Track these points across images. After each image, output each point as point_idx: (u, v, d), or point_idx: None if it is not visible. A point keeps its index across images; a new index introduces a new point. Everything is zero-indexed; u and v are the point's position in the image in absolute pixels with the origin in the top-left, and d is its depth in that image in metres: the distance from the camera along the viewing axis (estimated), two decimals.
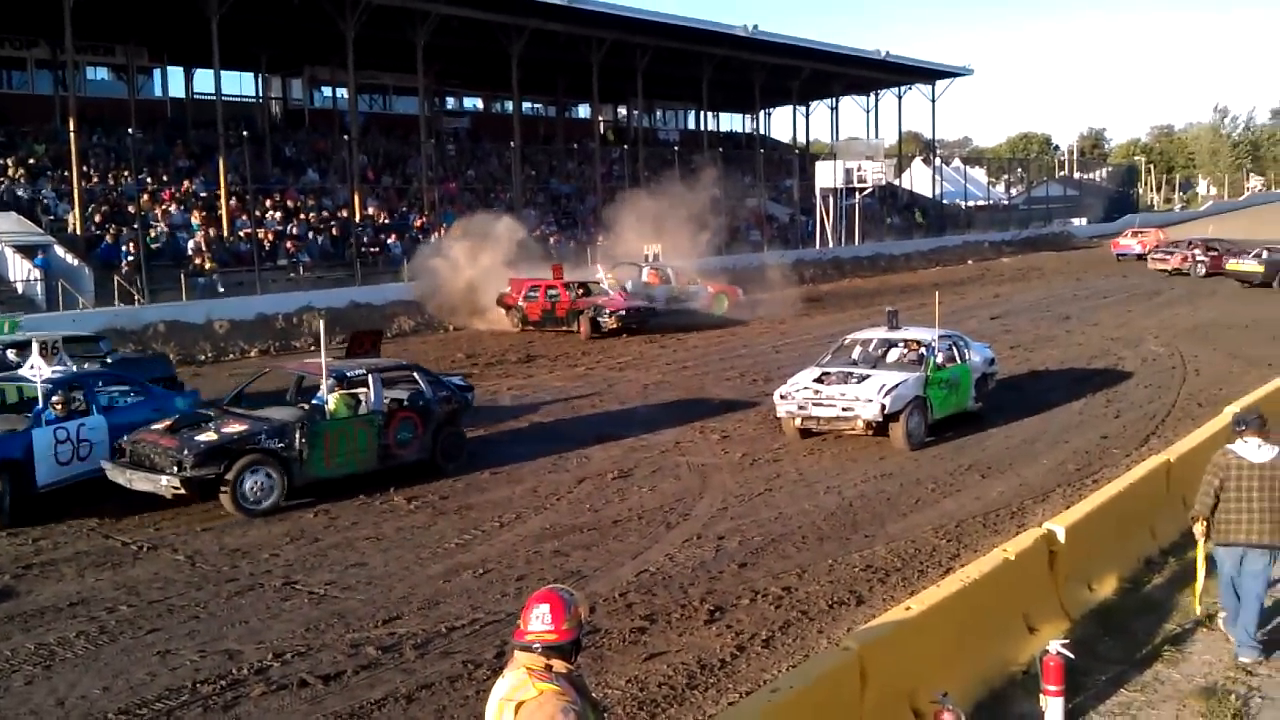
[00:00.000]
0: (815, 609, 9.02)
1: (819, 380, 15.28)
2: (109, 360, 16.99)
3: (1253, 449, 8.01)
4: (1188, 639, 8.17)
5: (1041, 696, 6.52)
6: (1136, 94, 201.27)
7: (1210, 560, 8.33)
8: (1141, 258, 47.22)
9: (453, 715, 7.31)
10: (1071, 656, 6.54)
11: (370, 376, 13.36)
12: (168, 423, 12.71)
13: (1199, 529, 8.22)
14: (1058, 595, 8.34)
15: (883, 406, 14.29)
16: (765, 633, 8.51)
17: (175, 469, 11.67)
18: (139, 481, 11.92)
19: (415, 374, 14.39)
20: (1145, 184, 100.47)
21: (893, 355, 16.33)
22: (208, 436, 12.09)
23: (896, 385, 14.58)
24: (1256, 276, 36.48)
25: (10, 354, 15.89)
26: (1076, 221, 70.67)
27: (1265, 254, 37.10)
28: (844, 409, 14.62)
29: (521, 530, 11.42)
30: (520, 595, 8.77)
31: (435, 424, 13.87)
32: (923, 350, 15.73)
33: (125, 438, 12.53)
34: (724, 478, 13.47)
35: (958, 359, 16.02)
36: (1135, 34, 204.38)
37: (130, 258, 27.68)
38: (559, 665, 4.18)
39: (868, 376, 15.14)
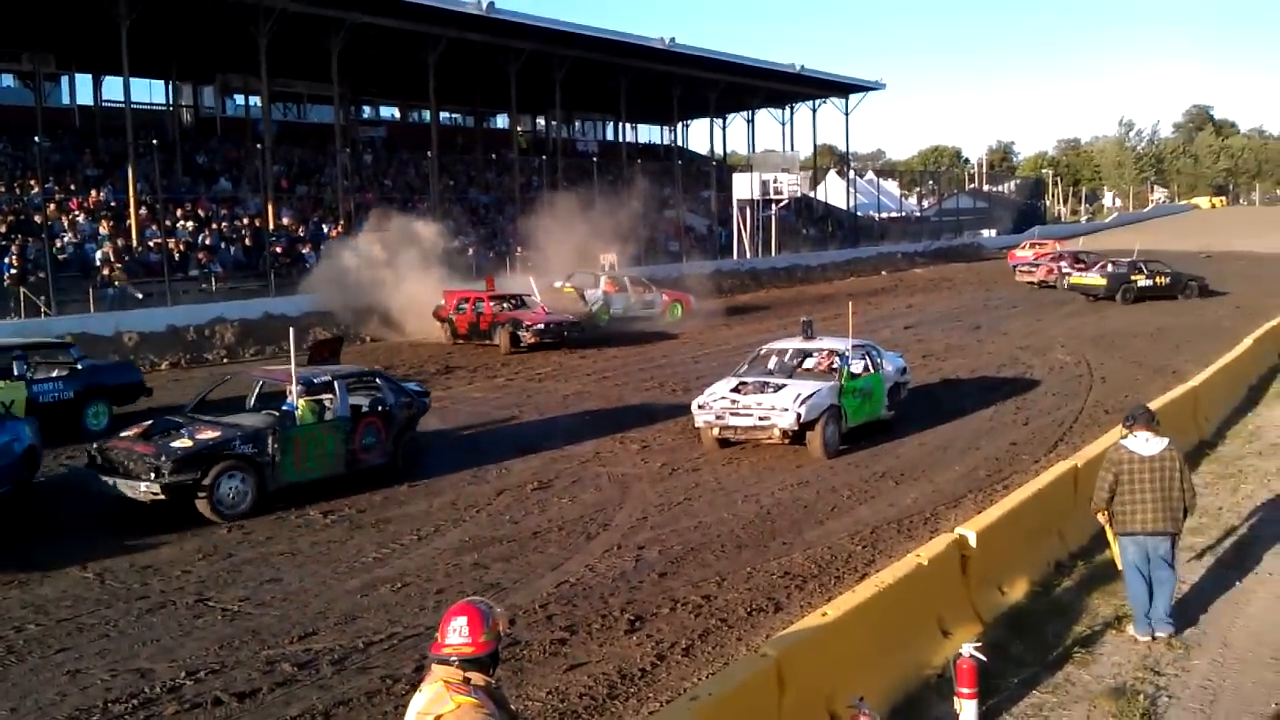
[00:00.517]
0: (734, 617, 9.09)
1: (736, 390, 15.37)
2: (79, 366, 16.97)
3: (1142, 442, 8.54)
4: (1097, 641, 8.37)
5: (955, 699, 6.65)
6: (1044, 108, 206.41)
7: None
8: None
9: None
10: (984, 659, 6.67)
11: (335, 383, 13.62)
12: (140, 429, 12.78)
13: (1102, 519, 8.78)
14: (970, 599, 8.50)
15: (799, 415, 14.39)
16: (685, 641, 8.56)
17: (154, 475, 11.72)
18: (122, 487, 11.94)
19: (377, 380, 14.68)
20: (1052, 196, 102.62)
21: (808, 365, 16.56)
22: (183, 443, 12.15)
23: (812, 394, 14.73)
24: (1100, 290, 35.84)
25: None
26: (986, 233, 72.08)
27: (1110, 267, 36.82)
28: (760, 418, 14.70)
29: (440, 543, 11.34)
30: (439, 608, 8.69)
31: (397, 429, 14.19)
32: (837, 360, 15.94)
33: (95, 445, 12.74)
34: (644, 487, 13.51)
35: (871, 368, 16.23)
36: (1043, 49, 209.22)
37: (13, 270, 26.78)
38: (477, 678, 4.17)
39: (784, 386, 15.28)
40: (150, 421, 13.16)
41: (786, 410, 14.51)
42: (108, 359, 20.94)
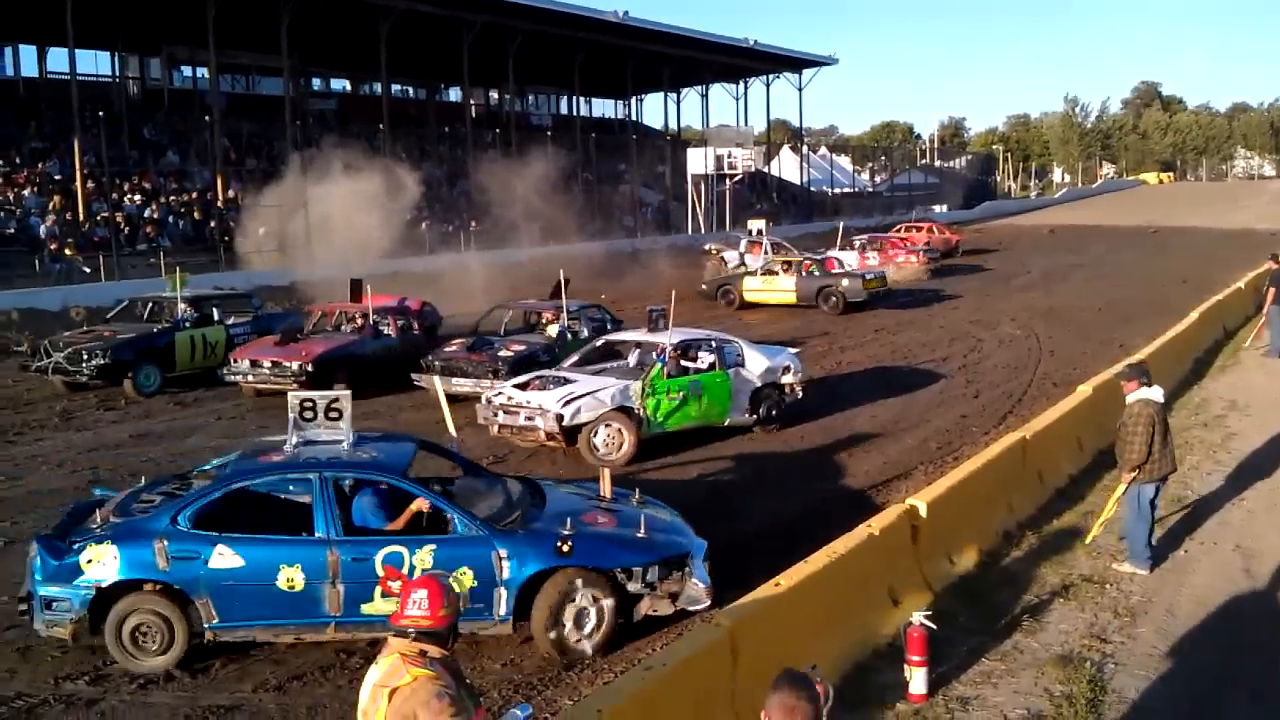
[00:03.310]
0: None
1: (525, 385, 13.99)
2: (259, 314, 20.34)
3: (1157, 393, 9.14)
4: (1045, 610, 8.48)
5: (906, 667, 6.74)
6: (996, 84, 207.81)
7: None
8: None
9: (326, 705, 7.23)
10: (934, 628, 6.77)
11: (582, 313, 18.62)
12: (461, 344, 17.27)
13: (1131, 474, 9.15)
14: (920, 569, 8.61)
15: (559, 417, 12.88)
16: None
17: (494, 375, 15.56)
18: (460, 385, 15.59)
19: (600, 310, 19.63)
20: (1003, 172, 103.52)
21: (634, 359, 15.15)
22: (507, 353, 16.53)
23: (586, 394, 13.22)
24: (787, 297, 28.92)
25: (184, 308, 18.83)
26: (937, 208, 72.42)
27: (780, 269, 29.98)
28: (527, 418, 13.19)
29: None
30: None
31: None
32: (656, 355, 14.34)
33: (430, 355, 16.94)
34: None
35: (719, 366, 14.48)
36: (995, 25, 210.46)
37: None
38: (434, 651, 4.20)
39: (569, 382, 13.84)
40: (472, 339, 17.52)
41: (548, 411, 13.01)
42: (279, 308, 24.24)
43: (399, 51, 42.17)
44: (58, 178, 32.26)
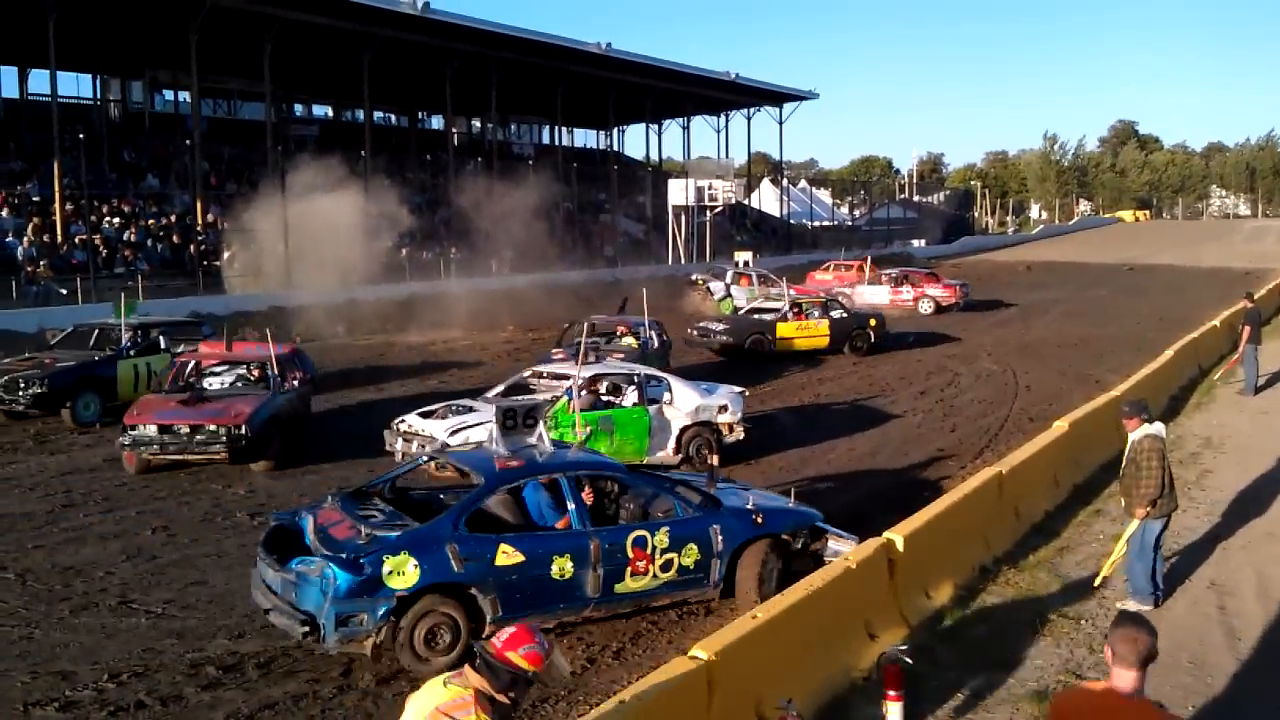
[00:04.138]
0: (665, 620, 9.12)
1: (429, 414, 14.05)
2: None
3: (1160, 429, 9.25)
4: (1021, 645, 8.48)
5: (883, 702, 6.72)
6: (973, 121, 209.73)
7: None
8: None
9: None
10: (910, 662, 6.75)
11: (641, 326, 20.26)
12: (563, 353, 18.08)
13: (1144, 511, 9.19)
14: (897, 603, 8.60)
15: (445, 446, 12.54)
16: (615, 644, 8.59)
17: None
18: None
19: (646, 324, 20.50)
20: (981, 207, 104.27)
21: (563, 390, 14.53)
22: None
23: (478, 425, 13.04)
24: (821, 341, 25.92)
25: (126, 335, 18.17)
26: (916, 243, 72.84)
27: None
28: (419, 446, 13.09)
29: None
30: None
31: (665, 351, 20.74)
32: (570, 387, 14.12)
33: (537, 364, 17.13)
34: None
35: (643, 401, 14.31)
36: (973, 63, 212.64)
37: None
38: (502, 697, 4.16)
39: (470, 412, 13.90)
40: (571, 348, 17.68)
41: (435, 440, 13.02)
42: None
43: (382, 79, 42.27)
44: (36, 199, 32.13)
